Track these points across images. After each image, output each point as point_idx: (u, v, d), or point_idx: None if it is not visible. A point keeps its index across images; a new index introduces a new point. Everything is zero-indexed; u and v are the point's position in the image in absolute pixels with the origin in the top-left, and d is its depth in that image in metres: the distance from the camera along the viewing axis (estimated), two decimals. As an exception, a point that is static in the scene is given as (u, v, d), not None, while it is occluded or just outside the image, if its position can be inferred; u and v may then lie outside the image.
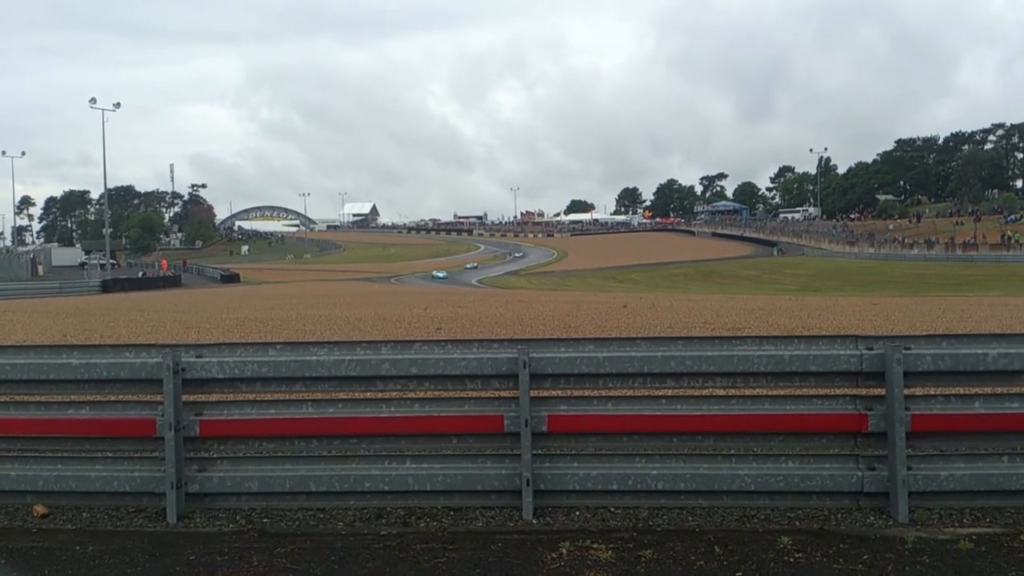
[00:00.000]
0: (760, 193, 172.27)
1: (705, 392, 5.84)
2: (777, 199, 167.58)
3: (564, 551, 4.90)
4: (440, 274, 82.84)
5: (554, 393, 5.79)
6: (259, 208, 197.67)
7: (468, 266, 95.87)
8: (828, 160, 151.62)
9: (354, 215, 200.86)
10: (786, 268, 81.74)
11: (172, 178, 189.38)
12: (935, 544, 4.94)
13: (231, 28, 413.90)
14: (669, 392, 5.82)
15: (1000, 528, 5.24)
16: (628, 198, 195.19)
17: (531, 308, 28.22)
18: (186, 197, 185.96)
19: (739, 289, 58.60)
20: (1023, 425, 5.45)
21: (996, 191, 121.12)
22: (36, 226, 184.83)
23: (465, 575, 4.66)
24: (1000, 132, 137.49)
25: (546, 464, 5.67)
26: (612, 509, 5.70)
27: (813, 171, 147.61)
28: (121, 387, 5.86)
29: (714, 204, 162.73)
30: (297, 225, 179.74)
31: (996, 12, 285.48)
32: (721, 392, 5.82)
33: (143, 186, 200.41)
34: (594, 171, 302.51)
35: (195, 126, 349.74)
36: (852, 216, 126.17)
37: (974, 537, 5.02)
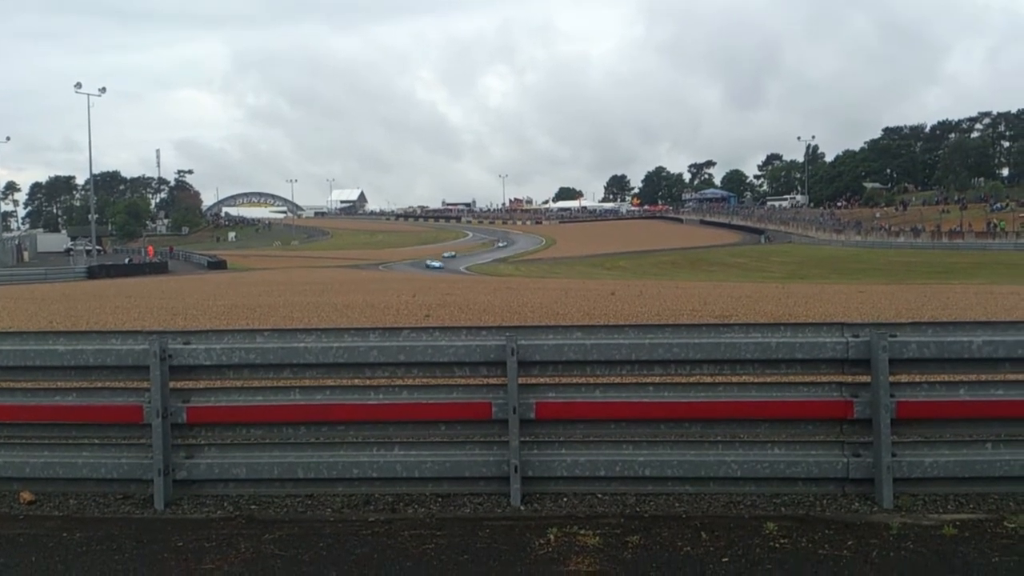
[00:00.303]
0: (748, 181, 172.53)
1: (692, 379, 5.87)
2: (765, 187, 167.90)
3: (552, 537, 4.92)
4: (435, 263, 76.05)
5: (542, 380, 5.80)
6: (246, 194, 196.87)
7: (445, 255, 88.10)
8: (815, 148, 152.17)
9: (342, 202, 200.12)
10: (773, 256, 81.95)
11: (158, 164, 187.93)
12: (919, 530, 4.99)
13: (218, 12, 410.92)
14: (657, 379, 5.83)
15: (984, 514, 5.29)
16: (616, 185, 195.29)
17: (519, 295, 28.24)
18: (172, 183, 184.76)
19: (726, 277, 58.75)
20: (1007, 412, 5.50)
21: (982, 179, 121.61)
22: (21, 212, 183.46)
23: (453, 561, 4.67)
24: (986, 120, 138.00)
25: (534, 451, 5.68)
26: (600, 495, 5.72)
27: (801, 159, 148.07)
28: (108, 374, 5.84)
29: (702, 192, 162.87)
30: (284, 212, 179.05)
31: (984, 0, 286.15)
32: (708, 379, 5.85)
33: (129, 172, 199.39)
34: (583, 158, 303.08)
35: (181, 111, 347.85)
36: (839, 204, 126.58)
37: (958, 523, 5.07)
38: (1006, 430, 5.57)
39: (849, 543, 4.78)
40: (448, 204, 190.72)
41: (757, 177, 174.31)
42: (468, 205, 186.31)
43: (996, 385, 5.54)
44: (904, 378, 5.66)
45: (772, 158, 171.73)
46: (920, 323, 5.66)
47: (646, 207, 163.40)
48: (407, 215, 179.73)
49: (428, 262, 77.39)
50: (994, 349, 5.43)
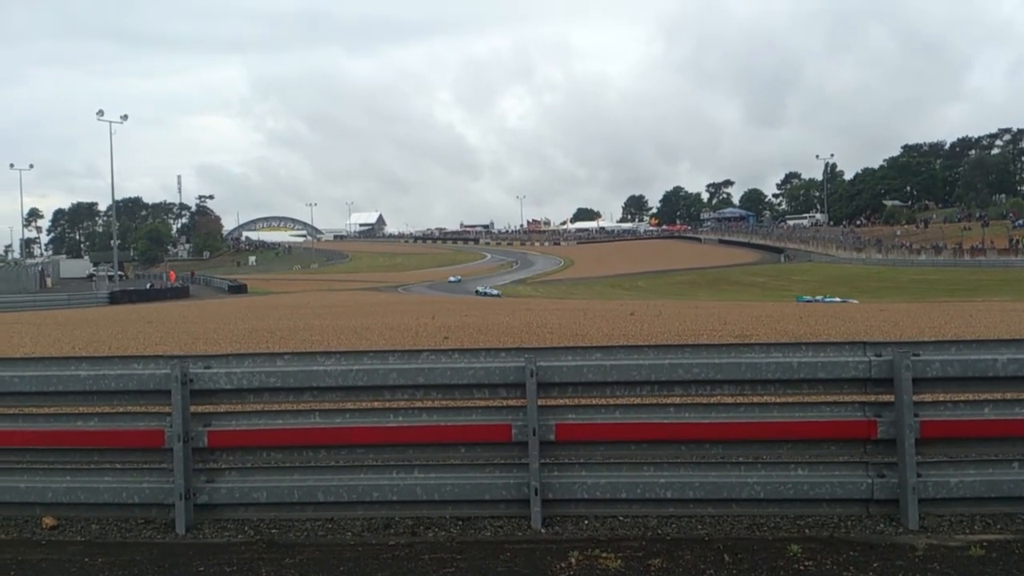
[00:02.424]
0: (766, 200, 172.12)
1: (713, 400, 5.82)
2: (784, 205, 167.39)
3: (573, 560, 4.88)
4: (454, 278, 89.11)
5: (562, 402, 5.78)
6: (266, 219, 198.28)
7: (451, 279, 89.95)
8: (834, 166, 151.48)
9: (360, 224, 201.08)
10: (793, 274, 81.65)
11: (179, 189, 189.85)
12: (946, 551, 4.92)
13: (236, 37, 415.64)
14: (677, 400, 5.80)
15: (1011, 535, 5.21)
16: (634, 205, 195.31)
17: (538, 316, 28.22)
18: (193, 208, 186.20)
19: (746, 296, 58.53)
20: (1033, 431, 5.42)
21: (1003, 196, 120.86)
22: (44, 238, 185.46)
23: (474, 585, 4.65)
24: (1007, 137, 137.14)
25: (554, 473, 5.66)
26: (621, 518, 5.68)
27: (819, 177, 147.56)
28: (129, 398, 5.88)
29: (720, 211, 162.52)
30: (304, 235, 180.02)
31: (1007, 15, 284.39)
32: (729, 400, 5.80)
33: (150, 197, 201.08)
34: (601, 178, 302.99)
35: (201, 137, 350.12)
36: (859, 222, 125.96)
37: (985, 544, 5.00)
38: (1033, 449, 5.49)
39: (875, 565, 4.72)
40: (466, 226, 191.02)
41: (776, 196, 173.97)
42: (486, 226, 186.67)
43: (1022, 403, 5.48)
44: (928, 397, 5.61)
45: (791, 176, 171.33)
46: (943, 341, 5.61)
47: (664, 227, 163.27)
48: (425, 237, 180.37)
49: (450, 278, 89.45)
50: (1019, 367, 5.37)
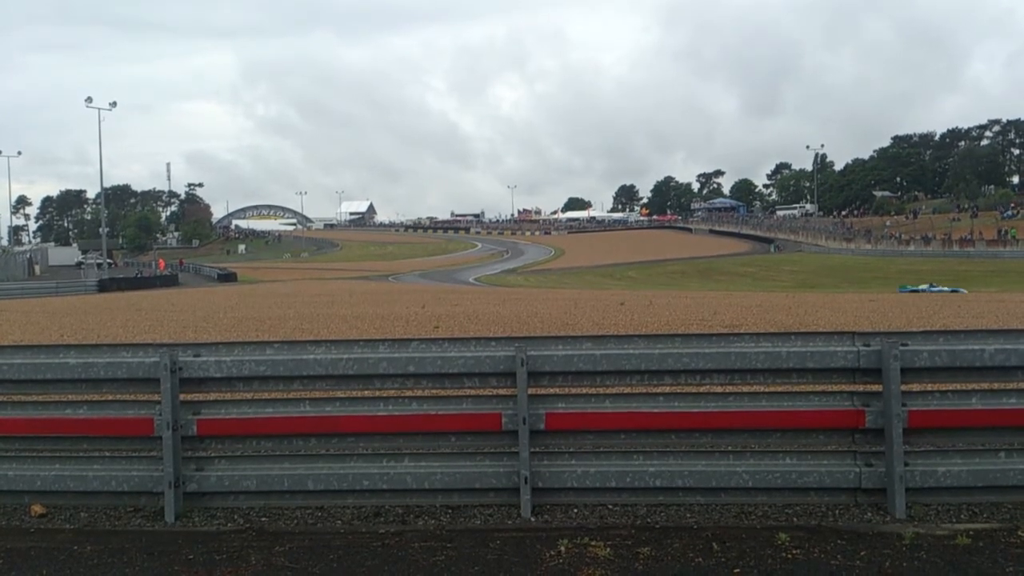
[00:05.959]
0: (757, 190, 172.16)
1: (702, 389, 5.85)
2: (774, 196, 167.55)
3: (562, 548, 4.90)
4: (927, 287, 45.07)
5: (552, 391, 5.80)
6: (256, 207, 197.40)
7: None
8: (824, 157, 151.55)
9: (351, 213, 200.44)
10: (783, 265, 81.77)
11: (169, 177, 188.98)
12: (933, 540, 4.96)
13: (227, 23, 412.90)
14: (667, 389, 5.83)
15: (997, 523, 5.26)
16: (625, 195, 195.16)
17: (528, 306, 28.20)
18: (183, 196, 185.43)
19: (736, 286, 58.62)
20: (1020, 421, 5.47)
21: (992, 187, 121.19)
22: (33, 226, 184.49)
23: (463, 573, 4.66)
24: (997, 128, 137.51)
25: (544, 462, 5.67)
26: (610, 506, 5.71)
27: (810, 168, 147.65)
28: (118, 386, 5.86)
29: (711, 201, 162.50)
30: (294, 224, 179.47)
31: (1006, 6, 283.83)
32: (718, 389, 5.82)
33: (140, 185, 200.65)
34: (593, 168, 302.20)
35: (191, 123, 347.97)
36: (844, 213, 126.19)
37: (971, 532, 5.04)
38: (1019, 439, 5.53)
39: (862, 553, 4.76)
40: (457, 215, 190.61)
41: (766, 186, 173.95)
42: (477, 216, 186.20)
43: (1009, 393, 5.52)
44: (916, 387, 5.64)
45: (781, 167, 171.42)
46: (931, 332, 5.64)
47: (655, 217, 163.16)
48: (416, 226, 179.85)
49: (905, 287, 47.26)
50: (1007, 357, 5.41)
